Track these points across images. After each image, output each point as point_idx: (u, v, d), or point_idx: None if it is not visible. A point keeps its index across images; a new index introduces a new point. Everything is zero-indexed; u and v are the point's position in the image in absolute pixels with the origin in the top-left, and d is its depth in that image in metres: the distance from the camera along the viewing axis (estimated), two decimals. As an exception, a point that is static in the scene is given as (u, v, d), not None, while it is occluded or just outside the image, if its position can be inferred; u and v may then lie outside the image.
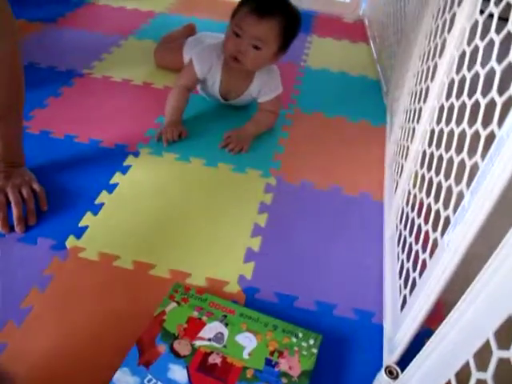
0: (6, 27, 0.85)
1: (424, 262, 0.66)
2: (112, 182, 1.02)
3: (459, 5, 0.72)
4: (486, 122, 0.54)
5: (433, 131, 0.75)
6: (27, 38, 1.59)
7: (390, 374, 0.67)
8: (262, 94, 1.24)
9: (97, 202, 0.96)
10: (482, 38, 0.61)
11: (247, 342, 0.71)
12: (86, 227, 0.90)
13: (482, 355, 0.46)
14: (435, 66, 0.81)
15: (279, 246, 0.92)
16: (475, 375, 0.45)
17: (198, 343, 0.70)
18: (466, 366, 0.47)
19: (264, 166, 1.12)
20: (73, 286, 0.79)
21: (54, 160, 1.06)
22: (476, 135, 0.57)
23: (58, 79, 1.38)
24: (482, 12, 0.64)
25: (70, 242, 0.87)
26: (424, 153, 0.79)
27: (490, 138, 0.51)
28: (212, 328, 0.72)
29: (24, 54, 1.46)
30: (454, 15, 0.75)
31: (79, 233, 0.89)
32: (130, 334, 0.71)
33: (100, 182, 1.01)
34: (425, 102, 0.83)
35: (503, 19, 0.55)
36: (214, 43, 1.26)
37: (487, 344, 0.44)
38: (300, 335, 0.73)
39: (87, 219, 0.92)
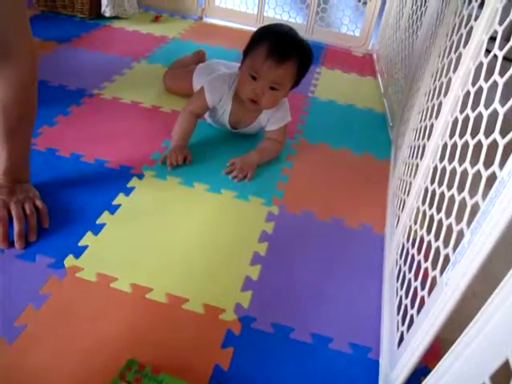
0: (26, 49, 0.87)
1: (422, 299, 0.65)
2: (115, 202, 1.02)
3: (465, 46, 0.74)
4: (488, 163, 0.54)
5: (435, 168, 0.76)
6: (40, 56, 1.62)
7: (385, 412, 0.66)
8: (270, 123, 1.25)
9: (98, 221, 0.96)
10: (487, 79, 0.62)
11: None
12: (86, 247, 0.90)
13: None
14: (440, 104, 0.82)
15: (278, 275, 0.91)
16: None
17: None
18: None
19: (267, 194, 1.12)
20: (69, 306, 0.79)
21: (58, 178, 1.07)
22: (478, 174, 0.57)
23: (68, 98, 1.40)
24: (488, 51, 0.65)
25: (69, 261, 0.87)
26: (426, 189, 0.79)
27: (492, 178, 0.52)
28: None
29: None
30: (459, 55, 0.76)
31: (78, 252, 0.89)
32: (121, 358, 0.71)
33: (103, 202, 1.02)
34: (429, 139, 0.83)
35: (509, 60, 0.56)
36: (226, 73, 1.28)
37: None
38: None
39: (87, 239, 0.92)
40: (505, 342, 0.42)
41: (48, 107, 1.32)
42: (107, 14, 2.07)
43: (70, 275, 0.84)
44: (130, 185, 1.08)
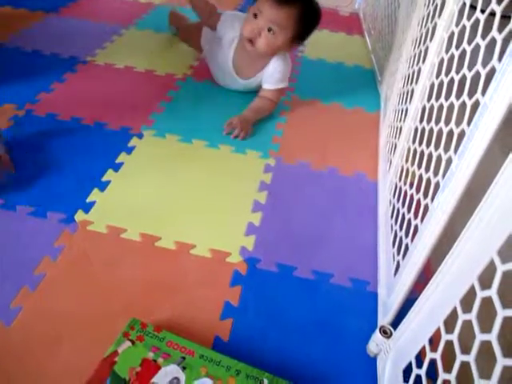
0: None
1: (416, 227, 0.71)
2: (117, 161, 1.06)
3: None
4: (472, 94, 0.58)
5: (424, 108, 0.80)
6: (29, 26, 1.63)
7: (385, 333, 0.72)
8: (269, 80, 1.28)
9: (103, 179, 1.00)
10: (469, 18, 0.66)
11: (206, 387, 0.65)
12: (94, 202, 0.95)
13: (468, 299, 0.51)
14: (426, 49, 0.86)
15: (279, 221, 0.96)
16: (461, 317, 0.50)
17: None
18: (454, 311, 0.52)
19: (263, 147, 1.16)
20: (83, 256, 0.84)
21: (61, 141, 1.10)
22: (463, 107, 0.61)
23: (62, 66, 1.42)
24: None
25: (79, 215, 0.91)
26: (416, 129, 0.84)
27: (476, 107, 0.56)
28: (168, 372, 0.65)
29: (27, 42, 1.51)
30: (443, 1, 0.80)
31: (87, 207, 0.93)
32: (134, 299, 0.77)
33: (106, 161, 1.05)
34: (417, 82, 0.87)
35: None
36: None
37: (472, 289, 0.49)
38: (266, 382, 0.65)
39: (95, 195, 0.96)
40: (487, 249, 0.47)
41: (43, 75, 1.35)
42: (92, -17, 2.06)
43: (82, 228, 0.89)
44: (130, 144, 1.11)
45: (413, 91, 0.90)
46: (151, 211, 0.95)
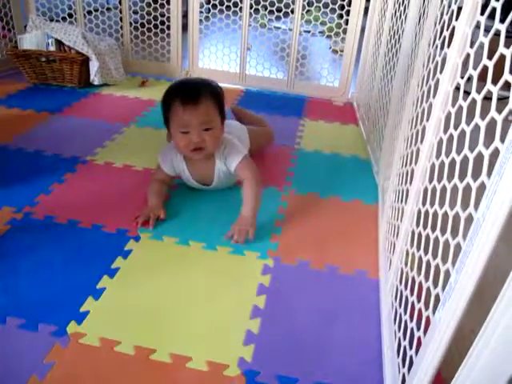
0: None
1: (419, 339, 0.67)
2: (113, 266, 1.04)
3: (434, 96, 0.79)
4: (465, 204, 0.58)
5: (419, 212, 0.80)
6: (34, 127, 1.68)
7: None
8: (229, 164, 1.27)
9: (98, 286, 0.98)
10: (456, 126, 0.67)
11: None
12: (87, 312, 0.92)
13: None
14: (418, 151, 0.87)
15: (278, 327, 0.93)
16: None
17: None
18: None
19: (262, 247, 1.15)
20: (73, 374, 0.80)
21: (56, 245, 1.09)
22: (457, 216, 0.61)
23: (63, 166, 1.45)
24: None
25: (71, 327, 0.88)
26: (413, 232, 0.82)
27: (469, 218, 0.55)
28: None
29: (30, 142, 1.56)
30: (430, 105, 0.82)
31: (81, 318, 0.90)
32: None
33: (102, 266, 1.04)
34: (411, 183, 0.87)
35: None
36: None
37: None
38: None
39: (88, 304, 0.94)
40: (498, 373, 0.44)
41: (43, 176, 1.37)
42: (96, 83, 2.16)
43: (74, 342, 0.85)
44: (127, 247, 1.10)
45: (408, 192, 0.90)
46: (147, 320, 0.92)
